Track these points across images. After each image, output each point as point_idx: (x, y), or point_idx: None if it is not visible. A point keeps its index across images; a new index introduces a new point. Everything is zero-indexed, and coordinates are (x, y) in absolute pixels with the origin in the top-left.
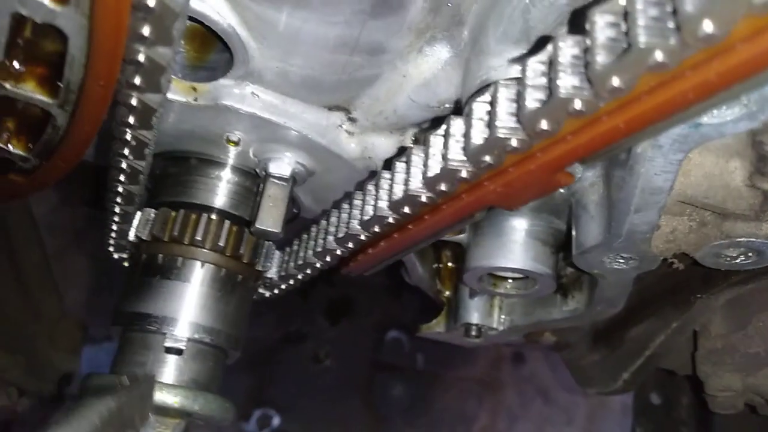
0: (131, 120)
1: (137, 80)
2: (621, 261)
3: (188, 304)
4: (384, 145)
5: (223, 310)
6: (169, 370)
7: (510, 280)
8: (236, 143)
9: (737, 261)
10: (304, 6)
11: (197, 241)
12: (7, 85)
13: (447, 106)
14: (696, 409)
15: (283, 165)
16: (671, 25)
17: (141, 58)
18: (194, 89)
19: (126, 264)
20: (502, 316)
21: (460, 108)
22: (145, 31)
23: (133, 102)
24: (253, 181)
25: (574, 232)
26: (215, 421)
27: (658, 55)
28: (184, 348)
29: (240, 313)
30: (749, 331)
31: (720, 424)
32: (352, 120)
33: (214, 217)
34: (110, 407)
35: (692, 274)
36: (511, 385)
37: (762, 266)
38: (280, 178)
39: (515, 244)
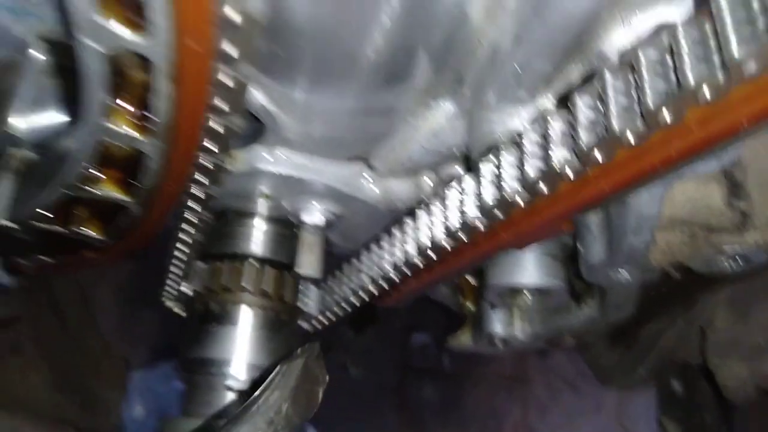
0: (197, 207)
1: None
2: (625, 273)
3: (242, 347)
4: (401, 187)
5: (274, 348)
6: (233, 406)
7: (527, 294)
8: (269, 197)
9: (726, 267)
10: (318, 84)
11: (244, 288)
12: (89, 188)
13: (454, 150)
14: (718, 396)
15: (314, 213)
16: (671, 87)
17: (207, 163)
18: (231, 156)
19: (175, 310)
20: (523, 326)
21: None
22: (218, 129)
23: (201, 196)
24: (286, 226)
25: (581, 250)
26: None
27: (630, 138)
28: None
29: (288, 348)
30: (750, 322)
31: (741, 410)
32: (371, 168)
33: (256, 264)
34: (303, 366)
35: (695, 273)
36: (538, 377)
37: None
38: (312, 226)
39: (529, 261)
